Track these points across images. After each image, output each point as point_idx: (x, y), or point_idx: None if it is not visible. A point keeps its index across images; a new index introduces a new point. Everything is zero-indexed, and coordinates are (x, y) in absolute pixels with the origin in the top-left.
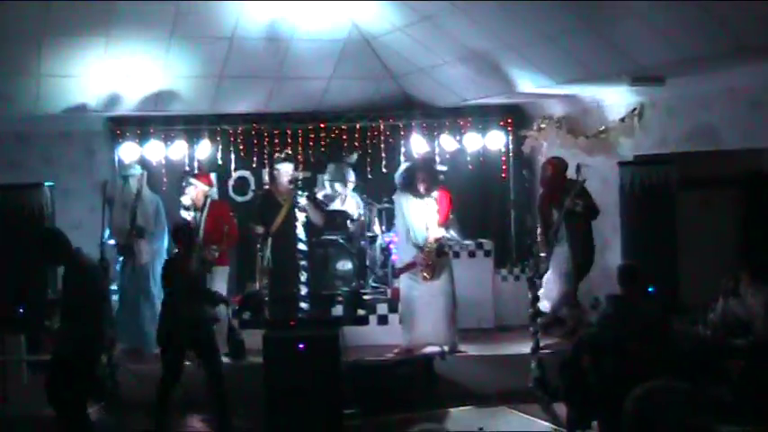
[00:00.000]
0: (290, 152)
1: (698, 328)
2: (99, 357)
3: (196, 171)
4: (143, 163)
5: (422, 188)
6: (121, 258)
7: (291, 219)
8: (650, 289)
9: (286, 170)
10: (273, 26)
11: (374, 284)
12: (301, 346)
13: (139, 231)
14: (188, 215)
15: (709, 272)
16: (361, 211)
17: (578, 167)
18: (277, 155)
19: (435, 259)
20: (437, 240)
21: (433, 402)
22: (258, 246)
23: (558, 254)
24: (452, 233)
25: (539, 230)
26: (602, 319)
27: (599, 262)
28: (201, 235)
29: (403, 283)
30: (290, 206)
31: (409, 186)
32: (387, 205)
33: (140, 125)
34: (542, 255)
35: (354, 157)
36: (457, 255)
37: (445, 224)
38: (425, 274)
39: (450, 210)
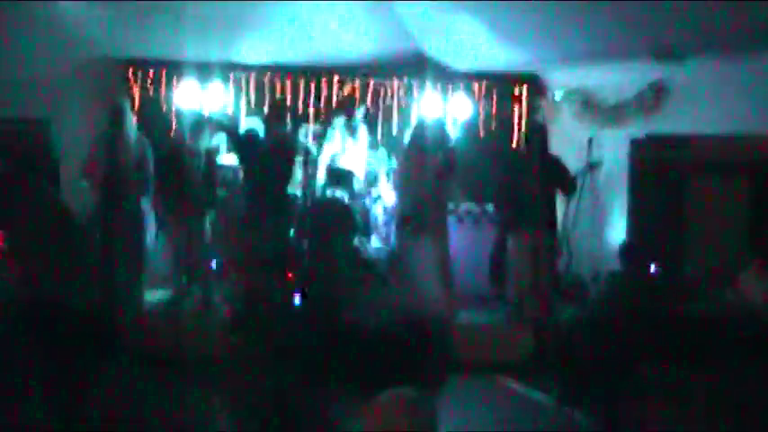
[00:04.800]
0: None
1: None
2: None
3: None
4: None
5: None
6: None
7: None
8: (651, 267)
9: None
10: None
11: (377, 244)
12: (297, 298)
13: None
14: None
15: (718, 256)
16: (370, 170)
17: (590, 142)
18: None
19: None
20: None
21: (426, 370)
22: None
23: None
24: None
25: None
26: (600, 295)
27: (603, 238)
28: None
29: (399, 242)
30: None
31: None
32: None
33: (152, 68)
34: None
35: (362, 111)
36: (461, 220)
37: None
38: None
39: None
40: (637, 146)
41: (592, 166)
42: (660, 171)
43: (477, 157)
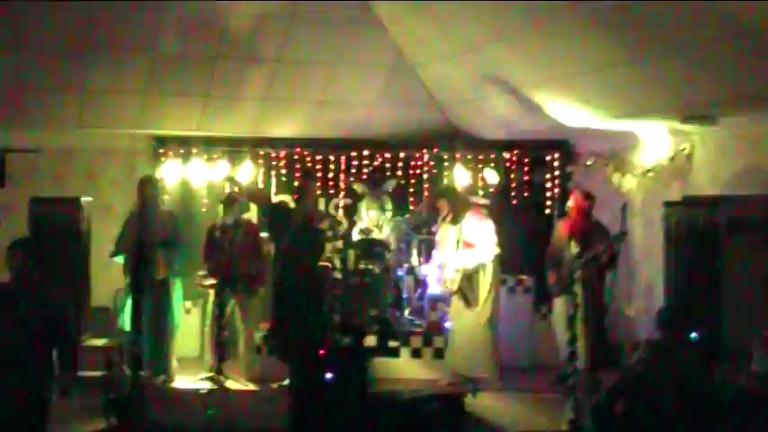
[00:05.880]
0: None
1: (739, 377)
2: None
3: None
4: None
5: (445, 216)
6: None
7: (307, 239)
8: (692, 335)
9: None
10: (318, 50)
11: (410, 317)
12: (329, 375)
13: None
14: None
15: (757, 319)
16: (400, 242)
17: (624, 207)
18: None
19: (467, 286)
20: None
21: None
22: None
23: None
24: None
25: (548, 269)
26: (639, 364)
27: (642, 304)
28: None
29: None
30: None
31: (436, 215)
32: (426, 236)
33: (183, 145)
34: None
35: (392, 184)
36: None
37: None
38: (459, 303)
39: (485, 234)
40: (671, 209)
41: (623, 233)
42: (696, 233)
43: (511, 226)
